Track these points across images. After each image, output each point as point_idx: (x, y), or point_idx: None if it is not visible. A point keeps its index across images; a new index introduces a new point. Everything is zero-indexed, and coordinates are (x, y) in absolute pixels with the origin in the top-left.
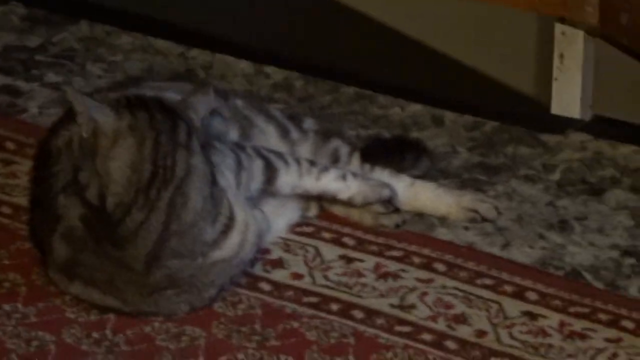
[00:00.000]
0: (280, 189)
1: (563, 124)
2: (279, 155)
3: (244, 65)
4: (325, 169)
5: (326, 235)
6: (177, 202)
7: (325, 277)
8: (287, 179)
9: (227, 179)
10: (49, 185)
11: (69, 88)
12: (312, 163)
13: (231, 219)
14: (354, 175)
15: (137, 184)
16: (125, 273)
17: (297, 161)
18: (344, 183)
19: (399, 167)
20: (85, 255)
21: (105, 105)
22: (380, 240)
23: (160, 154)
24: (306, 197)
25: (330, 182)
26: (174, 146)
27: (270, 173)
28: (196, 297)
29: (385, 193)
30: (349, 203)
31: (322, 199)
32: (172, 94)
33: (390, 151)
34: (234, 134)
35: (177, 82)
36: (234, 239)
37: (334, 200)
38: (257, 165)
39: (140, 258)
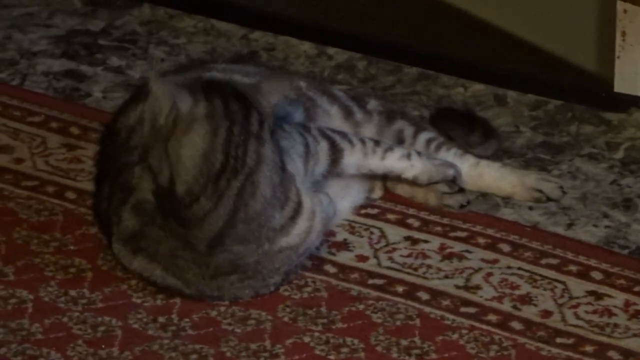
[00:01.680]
0: (345, 169)
1: (626, 102)
2: (344, 135)
3: (307, 47)
4: (390, 148)
5: (391, 216)
6: (246, 191)
7: (390, 259)
8: (352, 159)
9: (296, 165)
10: (124, 157)
11: (151, 73)
12: (377, 143)
13: (299, 204)
14: (419, 154)
15: (208, 174)
16: (189, 252)
17: (362, 141)
18: (408, 162)
19: (466, 142)
20: (152, 228)
21: (185, 91)
22: (445, 221)
23: (233, 144)
24: (371, 178)
25: (395, 161)
26: (246, 136)
27: (336, 154)
28: (260, 283)
29: (450, 172)
30: (414, 182)
31: (387, 180)
32: (239, 77)
33: (460, 120)
34: (299, 116)
35: (242, 65)
36: (301, 225)
37: (399, 179)
38: (322, 148)
39: (203, 240)
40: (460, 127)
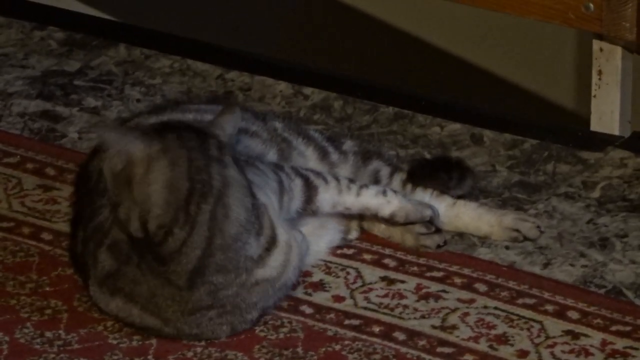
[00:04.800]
0: (320, 207)
1: (603, 141)
2: (318, 173)
3: (283, 87)
4: (365, 186)
5: (367, 257)
6: (218, 214)
7: (367, 299)
8: (327, 196)
9: (271, 201)
10: (96, 200)
11: (98, 125)
12: (352, 180)
13: (273, 237)
14: (395, 192)
15: (176, 202)
16: (168, 289)
17: (337, 178)
18: (384, 198)
19: (445, 187)
20: (129, 268)
21: (135, 134)
22: (422, 261)
23: (194, 169)
24: (347, 219)
25: (371, 198)
26: (207, 160)
27: (310, 191)
28: (238, 318)
29: (428, 213)
30: (390, 220)
31: (364, 220)
32: (208, 116)
33: (437, 173)
34: (272, 156)
35: (216, 105)
36: (277, 258)
37: (375, 218)
38: (297, 185)
39: (183, 274)
40: (438, 179)
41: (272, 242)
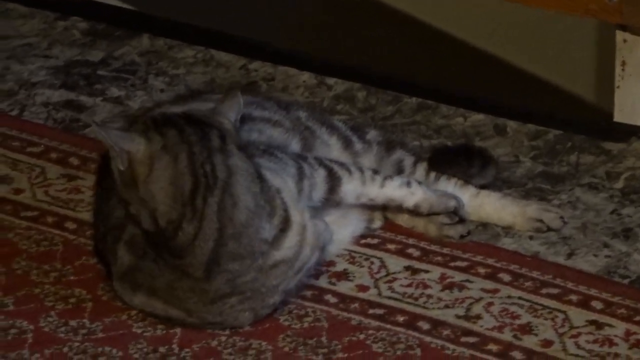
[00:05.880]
0: (344, 198)
1: (626, 132)
2: (342, 164)
3: (306, 77)
4: (389, 177)
5: (391, 246)
6: (226, 205)
7: (391, 289)
8: (351, 187)
9: (287, 185)
10: (114, 195)
11: (94, 125)
12: (376, 171)
13: (287, 217)
14: (419, 183)
15: (182, 197)
16: (186, 282)
17: (360, 169)
18: (408, 190)
19: (466, 175)
20: (146, 262)
21: (134, 134)
22: (445, 250)
23: (197, 163)
24: (371, 209)
25: (394, 189)
26: (209, 152)
27: (333, 182)
28: (260, 303)
29: (452, 204)
30: (414, 211)
31: (388, 210)
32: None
33: (458, 159)
34: (295, 146)
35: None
36: (291, 239)
37: (399, 209)
38: (320, 174)
39: (199, 266)
40: (459, 165)
41: (285, 223)
